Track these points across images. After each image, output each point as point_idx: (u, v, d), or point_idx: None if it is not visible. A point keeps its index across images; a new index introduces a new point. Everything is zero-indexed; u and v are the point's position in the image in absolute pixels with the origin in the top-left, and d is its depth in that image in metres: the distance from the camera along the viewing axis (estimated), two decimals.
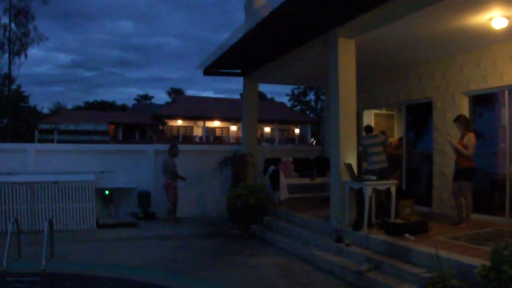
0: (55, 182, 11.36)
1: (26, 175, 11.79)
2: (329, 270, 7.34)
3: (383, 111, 12.77)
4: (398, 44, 9.01)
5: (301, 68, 11.35)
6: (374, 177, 8.06)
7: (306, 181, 12.44)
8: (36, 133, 46.10)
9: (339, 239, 7.80)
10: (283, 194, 11.93)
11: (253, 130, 13.52)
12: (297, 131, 60.89)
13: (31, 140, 44.34)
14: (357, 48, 8.56)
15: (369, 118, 12.45)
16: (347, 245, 7.61)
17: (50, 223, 8.39)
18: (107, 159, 13.09)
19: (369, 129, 10.45)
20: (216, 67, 12.72)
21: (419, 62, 10.49)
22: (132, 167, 13.21)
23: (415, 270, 5.89)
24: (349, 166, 8.17)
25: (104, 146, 16.08)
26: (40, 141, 38.27)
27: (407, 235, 7.16)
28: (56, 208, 11.30)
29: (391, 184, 8.06)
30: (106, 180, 12.71)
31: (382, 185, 8.05)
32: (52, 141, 36.68)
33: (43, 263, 7.22)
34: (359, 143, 9.96)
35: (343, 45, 8.52)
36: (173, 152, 12.32)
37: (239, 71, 13.25)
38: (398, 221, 7.68)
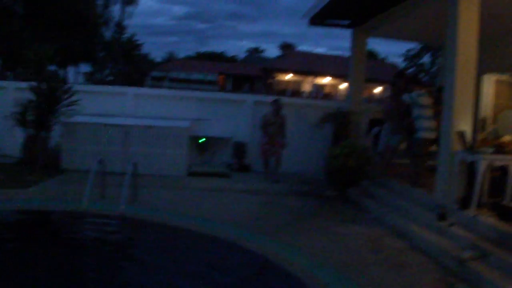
0: (149, 127, 11.19)
1: (121, 117, 11.79)
2: (426, 251, 6.41)
3: (507, 77, 11.26)
4: None
5: (416, 20, 10.13)
6: (491, 150, 6.96)
7: None
8: (148, 79, 47.79)
9: (441, 217, 6.81)
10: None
11: (359, 87, 12.52)
12: None
13: (143, 86, 45.86)
14: None
15: (488, 84, 11.04)
16: (451, 224, 6.60)
17: (134, 166, 8.22)
18: (205, 107, 12.86)
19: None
20: (323, 17, 11.78)
21: None
22: (229, 117, 12.84)
23: None
24: (461, 135, 7.10)
25: (202, 94, 15.79)
26: (152, 87, 39.47)
27: None
28: (149, 152, 11.14)
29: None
30: (202, 128, 12.47)
31: (501, 160, 6.93)
32: (163, 88, 37.58)
33: (123, 206, 7.03)
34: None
35: None
36: (274, 106, 11.39)
37: (347, 22, 12.23)
38: None
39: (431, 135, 8.45)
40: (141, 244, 6.91)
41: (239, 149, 12.48)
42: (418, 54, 60.51)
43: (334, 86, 56.60)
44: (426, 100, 8.62)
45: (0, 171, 10.02)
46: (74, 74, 51.73)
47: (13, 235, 6.87)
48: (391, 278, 5.43)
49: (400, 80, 10.19)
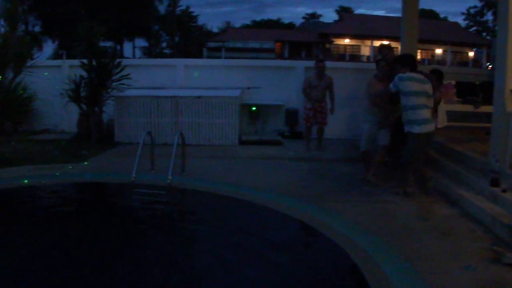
0: (199, 97, 11.21)
1: (171, 89, 11.89)
2: (476, 218, 6.11)
3: None
4: None
5: None
6: None
7: (468, 108, 10.90)
8: (205, 50, 48.02)
9: (494, 182, 6.44)
10: (441, 121, 10.54)
11: (412, 48, 12.04)
12: (471, 54, 56.10)
13: (200, 57, 46.14)
14: None
15: None
16: (504, 191, 6.20)
17: (182, 136, 8.26)
18: (255, 75, 12.83)
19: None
20: None
21: None
22: (280, 84, 12.81)
23: None
24: None
25: (252, 62, 15.78)
26: (208, 58, 39.67)
27: None
28: (199, 123, 11.22)
29: None
30: (253, 96, 12.54)
31: None
32: (219, 58, 37.75)
33: (170, 177, 7.11)
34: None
35: None
36: (315, 68, 10.57)
37: None
38: None
39: (423, 129, 6.86)
40: (182, 213, 7.06)
41: (291, 116, 12.38)
42: (481, 12, 57.96)
43: (395, 49, 55.25)
44: (412, 85, 6.84)
45: (57, 147, 10.40)
46: (132, 49, 52.76)
47: (67, 207, 7.13)
48: (436, 246, 5.23)
49: (388, 51, 8.72)
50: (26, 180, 8.01)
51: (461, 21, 62.77)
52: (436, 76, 7.73)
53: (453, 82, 11.34)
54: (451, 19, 67.92)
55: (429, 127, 6.90)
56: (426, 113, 6.86)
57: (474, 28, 61.32)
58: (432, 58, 51.79)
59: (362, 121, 8.28)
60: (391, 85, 7.15)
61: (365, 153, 8.22)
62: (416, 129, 6.83)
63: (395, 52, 8.64)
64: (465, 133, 9.82)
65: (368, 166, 8.16)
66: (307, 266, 4.99)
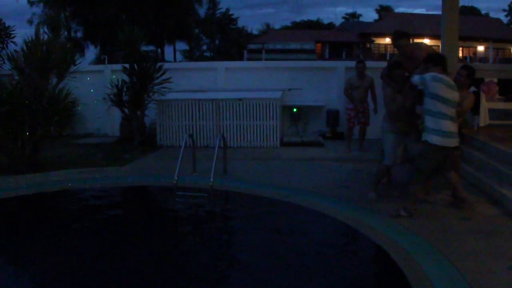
0: (240, 99, 11.30)
1: (212, 92, 12.03)
2: None
3: None
4: None
5: None
6: None
7: (511, 106, 10.69)
8: (245, 52, 48.26)
9: None
10: (483, 119, 10.37)
11: (453, 46, 11.86)
12: None
13: (240, 59, 46.40)
14: None
15: None
16: None
17: (224, 139, 8.37)
18: (296, 76, 12.91)
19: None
20: None
21: None
22: (321, 85, 12.84)
23: None
24: None
25: (292, 63, 15.76)
26: (249, 60, 39.92)
27: None
28: (241, 125, 11.33)
29: None
30: (294, 98, 12.61)
31: None
32: (260, 60, 37.95)
33: (212, 179, 7.20)
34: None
35: None
36: (356, 69, 10.62)
37: None
38: None
39: (442, 141, 5.93)
40: (225, 215, 7.12)
41: (332, 117, 12.38)
42: None
43: (436, 47, 54.41)
44: (443, 90, 5.87)
45: (100, 151, 10.69)
46: (173, 52, 53.48)
47: (111, 210, 7.37)
48: (479, 246, 5.15)
49: (403, 39, 7.34)
50: (70, 183, 8.26)
51: (503, 17, 61.18)
52: (467, 72, 6.87)
53: (496, 80, 11.10)
54: (492, 15, 66.28)
55: (449, 141, 5.98)
56: (450, 125, 5.94)
57: None
58: (474, 56, 50.72)
59: (384, 131, 7.13)
60: (416, 77, 6.15)
61: (390, 168, 7.44)
62: (435, 140, 5.91)
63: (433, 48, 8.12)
64: (507, 132, 9.58)
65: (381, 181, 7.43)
66: (349, 265, 5.04)
